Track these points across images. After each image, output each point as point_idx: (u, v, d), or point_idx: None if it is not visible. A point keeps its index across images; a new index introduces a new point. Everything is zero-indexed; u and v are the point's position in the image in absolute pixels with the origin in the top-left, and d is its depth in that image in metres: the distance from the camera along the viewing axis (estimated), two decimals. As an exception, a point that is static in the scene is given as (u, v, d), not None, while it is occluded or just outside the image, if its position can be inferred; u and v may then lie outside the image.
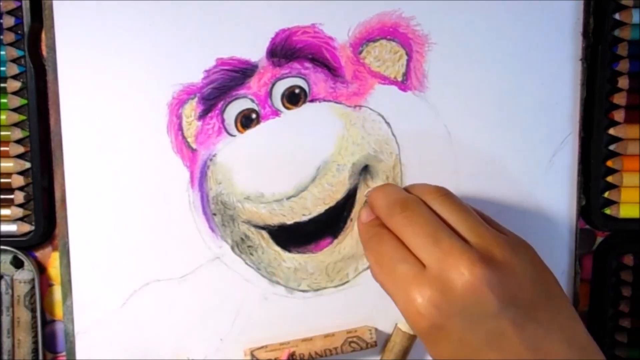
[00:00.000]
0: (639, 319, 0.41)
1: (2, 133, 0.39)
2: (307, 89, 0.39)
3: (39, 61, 0.39)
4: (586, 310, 0.42)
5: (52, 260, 0.41)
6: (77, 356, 0.40)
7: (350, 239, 0.40)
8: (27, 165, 0.39)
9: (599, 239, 0.42)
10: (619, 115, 0.39)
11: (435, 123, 0.39)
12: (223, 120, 0.39)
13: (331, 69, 0.39)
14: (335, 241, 0.40)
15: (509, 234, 0.32)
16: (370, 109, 0.39)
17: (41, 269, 0.41)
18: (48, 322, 0.41)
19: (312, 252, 0.40)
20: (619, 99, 0.39)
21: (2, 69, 0.38)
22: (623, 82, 0.39)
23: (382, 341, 0.41)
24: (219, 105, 0.39)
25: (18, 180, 0.39)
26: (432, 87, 0.39)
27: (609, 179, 0.40)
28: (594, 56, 0.39)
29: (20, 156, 0.39)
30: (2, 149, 0.39)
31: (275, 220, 0.40)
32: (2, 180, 0.39)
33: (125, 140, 0.39)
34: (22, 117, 0.39)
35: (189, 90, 0.39)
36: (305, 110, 0.39)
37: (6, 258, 0.40)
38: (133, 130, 0.39)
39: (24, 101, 0.39)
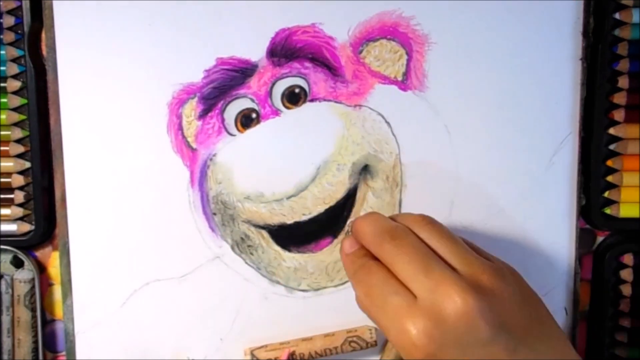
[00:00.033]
0: (639, 318, 0.41)
1: (2, 132, 0.39)
2: (307, 89, 0.39)
3: (39, 61, 0.39)
4: (586, 310, 0.42)
5: (52, 260, 0.41)
6: (77, 356, 0.40)
7: (350, 239, 0.40)
8: (27, 164, 0.39)
9: (599, 239, 0.42)
10: (619, 115, 0.39)
11: (435, 123, 0.39)
12: (223, 120, 0.39)
13: (331, 69, 0.39)
14: (335, 241, 0.40)
15: (494, 260, 0.32)
16: (371, 108, 0.39)
17: (41, 268, 0.41)
18: (48, 321, 0.41)
19: (312, 251, 0.40)
20: (619, 98, 0.39)
21: (2, 68, 0.38)
22: (623, 82, 0.39)
23: (382, 341, 0.41)
24: (219, 105, 0.39)
25: (18, 180, 0.39)
26: (432, 87, 0.39)
27: (609, 178, 0.40)
28: (594, 56, 0.39)
29: (20, 156, 0.39)
30: (2, 148, 0.39)
31: (275, 220, 0.40)
32: (2, 179, 0.39)
33: (125, 140, 0.39)
34: (22, 117, 0.39)
35: (189, 90, 0.39)
36: (306, 109, 0.39)
37: (6, 258, 0.40)
38: (133, 130, 0.39)
39: (24, 101, 0.39)
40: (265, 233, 0.40)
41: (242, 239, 0.40)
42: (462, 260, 0.31)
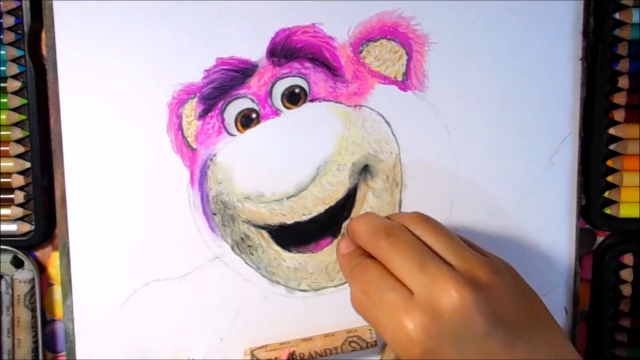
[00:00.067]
0: (639, 318, 0.41)
1: (2, 133, 0.39)
2: (307, 89, 0.39)
3: (39, 61, 0.39)
4: (586, 310, 0.42)
5: (52, 260, 0.41)
6: (77, 356, 0.40)
7: (350, 239, 0.40)
8: (27, 165, 0.39)
9: (599, 239, 0.42)
10: (619, 115, 0.39)
11: (435, 123, 0.39)
12: (223, 120, 0.39)
13: (331, 69, 0.39)
14: (335, 241, 0.40)
15: (490, 256, 0.32)
16: (371, 108, 0.39)
17: (41, 268, 0.41)
18: (48, 321, 0.41)
19: (312, 251, 0.40)
20: (619, 98, 0.39)
21: (2, 68, 0.38)
22: (623, 82, 0.39)
23: (382, 341, 0.41)
24: (219, 105, 0.39)
25: (18, 180, 0.39)
26: (432, 87, 0.39)
27: (609, 178, 0.40)
28: (594, 56, 0.39)
29: (20, 156, 0.39)
30: (2, 148, 0.39)
31: (275, 220, 0.40)
32: (2, 179, 0.39)
33: (125, 139, 0.39)
34: (22, 117, 0.39)
35: (189, 90, 0.39)
36: (305, 109, 0.39)
37: (6, 258, 0.40)
38: (133, 129, 0.39)
39: (24, 101, 0.39)
40: (265, 233, 0.40)
41: (242, 239, 0.40)
42: (457, 255, 0.31)
